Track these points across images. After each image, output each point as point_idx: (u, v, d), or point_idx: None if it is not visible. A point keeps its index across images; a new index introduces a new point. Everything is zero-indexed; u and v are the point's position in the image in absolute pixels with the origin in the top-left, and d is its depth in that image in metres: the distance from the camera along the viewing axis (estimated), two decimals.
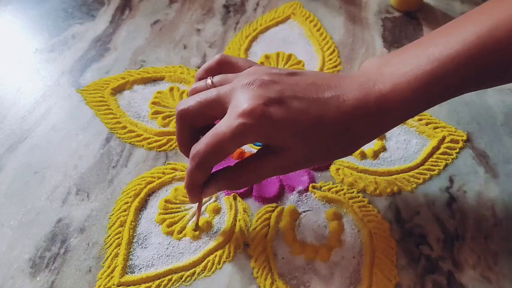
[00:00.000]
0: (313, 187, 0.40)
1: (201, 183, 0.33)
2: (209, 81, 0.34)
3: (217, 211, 0.39)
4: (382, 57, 0.33)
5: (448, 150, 0.43)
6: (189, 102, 0.33)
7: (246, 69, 0.34)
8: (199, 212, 0.37)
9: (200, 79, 0.36)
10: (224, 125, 0.30)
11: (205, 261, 0.36)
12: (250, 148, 0.42)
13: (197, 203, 0.36)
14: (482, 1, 0.59)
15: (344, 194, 0.40)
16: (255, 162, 0.32)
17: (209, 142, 0.30)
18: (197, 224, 0.37)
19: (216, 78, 0.34)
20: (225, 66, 0.35)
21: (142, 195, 0.39)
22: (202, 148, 0.31)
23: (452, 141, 0.43)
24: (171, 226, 0.37)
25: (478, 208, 0.39)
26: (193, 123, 0.33)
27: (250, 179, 0.33)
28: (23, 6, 0.59)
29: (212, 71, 0.35)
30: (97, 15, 0.57)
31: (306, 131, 0.30)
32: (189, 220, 0.38)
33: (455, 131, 0.44)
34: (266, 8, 0.58)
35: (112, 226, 0.37)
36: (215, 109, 0.32)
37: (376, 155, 0.42)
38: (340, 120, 0.30)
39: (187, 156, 0.33)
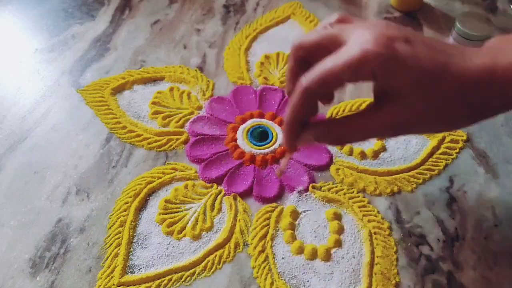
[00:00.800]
0: (313, 187, 0.40)
1: (301, 120, 0.31)
2: (328, 26, 0.32)
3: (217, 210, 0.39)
4: (506, 35, 0.31)
5: (448, 150, 0.43)
6: (308, 35, 0.31)
7: None
8: (288, 157, 0.34)
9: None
10: (342, 54, 0.28)
11: (205, 261, 0.36)
12: (250, 148, 0.42)
13: (290, 149, 0.33)
14: (482, 1, 0.59)
15: (344, 194, 0.40)
16: (365, 116, 0.30)
17: (322, 70, 0.28)
18: (281, 170, 0.36)
19: (336, 26, 0.32)
20: (344, 23, 0.33)
21: (142, 195, 0.39)
22: (312, 76, 0.28)
23: (452, 141, 0.43)
24: (171, 226, 0.37)
25: (478, 208, 0.39)
26: (307, 56, 0.31)
27: (354, 134, 0.30)
28: (23, 6, 0.59)
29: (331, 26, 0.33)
30: (97, 15, 0.57)
31: (428, 77, 0.28)
32: (189, 220, 0.38)
33: (455, 131, 0.44)
34: (266, 8, 0.58)
35: (112, 226, 0.37)
36: (335, 42, 0.29)
37: (376, 155, 0.42)
38: (464, 78, 0.28)
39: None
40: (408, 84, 0.28)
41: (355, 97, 0.47)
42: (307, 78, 0.29)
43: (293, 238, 0.37)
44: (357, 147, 0.43)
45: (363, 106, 0.46)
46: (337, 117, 0.31)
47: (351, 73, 0.28)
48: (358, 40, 0.28)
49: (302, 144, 0.32)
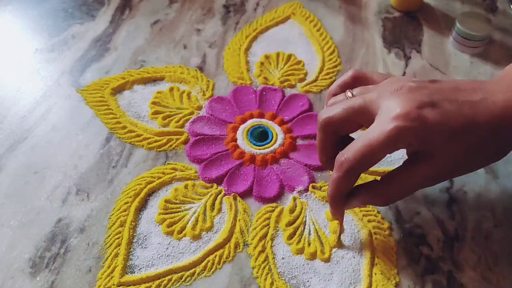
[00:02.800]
0: (313, 187, 0.40)
1: (345, 193, 0.32)
2: (349, 93, 0.33)
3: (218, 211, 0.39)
4: None
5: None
6: (334, 110, 0.32)
7: (383, 80, 0.33)
8: (341, 225, 0.35)
9: (334, 95, 0.35)
10: (376, 130, 0.29)
11: (205, 261, 0.36)
12: (250, 148, 0.42)
13: (338, 216, 0.35)
14: (482, 1, 0.59)
15: None
16: (405, 173, 0.31)
17: (360, 148, 0.29)
18: (339, 238, 0.36)
19: (356, 90, 0.33)
20: (360, 81, 0.35)
21: (142, 195, 0.39)
22: (352, 154, 0.30)
23: None
24: (171, 226, 0.37)
25: (478, 209, 0.39)
26: (337, 131, 0.33)
27: (399, 192, 0.32)
28: (23, 6, 0.59)
29: (347, 87, 0.35)
30: (97, 15, 0.57)
31: (459, 133, 0.29)
32: (189, 220, 0.38)
33: None
34: (266, 8, 0.58)
35: (112, 226, 0.37)
36: (362, 116, 0.31)
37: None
38: (491, 121, 0.30)
39: (327, 166, 0.33)
40: (441, 144, 0.29)
41: None
42: (347, 158, 0.30)
43: (293, 238, 0.37)
44: None
45: None
46: (377, 179, 0.32)
47: (389, 149, 0.29)
48: (389, 115, 0.29)
49: (350, 209, 0.34)
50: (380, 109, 0.30)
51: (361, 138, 0.30)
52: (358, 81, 0.35)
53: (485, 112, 0.30)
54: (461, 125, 0.29)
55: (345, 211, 0.36)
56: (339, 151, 0.31)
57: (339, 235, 0.36)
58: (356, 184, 0.32)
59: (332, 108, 0.32)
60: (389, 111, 0.29)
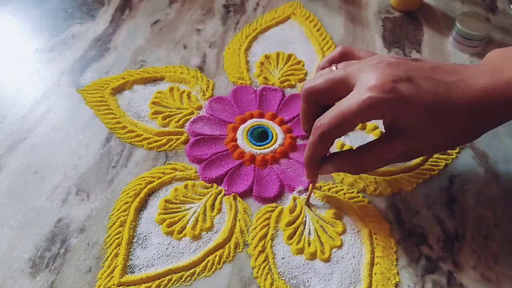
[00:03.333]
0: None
1: (320, 157, 0.34)
2: (333, 67, 0.35)
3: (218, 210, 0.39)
4: (506, 48, 0.33)
5: (448, 150, 0.43)
6: (317, 80, 0.34)
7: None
8: (312, 188, 0.38)
9: (322, 68, 0.37)
10: (351, 99, 0.31)
11: (205, 261, 0.36)
12: (250, 148, 0.42)
13: (311, 180, 0.38)
14: (482, 1, 0.59)
15: (344, 194, 0.40)
16: (379, 146, 0.33)
17: (335, 115, 0.31)
18: (308, 199, 0.39)
19: (341, 65, 0.35)
20: (347, 57, 0.37)
21: (142, 195, 0.39)
22: (327, 120, 0.32)
23: None
24: (171, 226, 0.37)
25: (478, 208, 0.39)
26: (318, 100, 0.34)
27: (372, 163, 0.34)
28: (23, 6, 0.59)
29: (334, 62, 0.36)
30: (97, 15, 0.57)
31: (432, 111, 0.30)
32: (189, 220, 0.38)
33: None
34: (266, 8, 0.58)
35: (112, 226, 0.37)
36: (342, 87, 0.33)
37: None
38: (466, 103, 0.30)
39: (309, 134, 0.34)
40: (415, 120, 0.31)
41: None
42: (323, 124, 0.32)
43: (293, 238, 0.37)
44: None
45: None
46: (353, 148, 0.34)
47: (362, 118, 0.31)
48: (365, 85, 0.31)
49: (324, 173, 0.36)
50: (358, 81, 0.31)
51: (337, 106, 0.32)
52: (345, 57, 0.37)
53: (460, 93, 0.30)
54: (435, 102, 0.30)
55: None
56: None
57: (309, 195, 0.39)
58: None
59: (315, 78, 0.34)
60: (366, 82, 0.31)
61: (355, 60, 0.35)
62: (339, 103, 0.32)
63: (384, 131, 0.35)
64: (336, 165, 0.34)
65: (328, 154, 0.36)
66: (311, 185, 0.38)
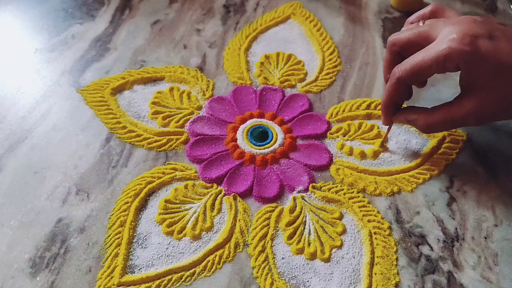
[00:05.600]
0: (313, 187, 0.40)
1: (395, 103, 0.37)
2: (420, 23, 0.37)
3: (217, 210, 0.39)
4: None
5: (448, 150, 0.43)
6: (402, 32, 0.36)
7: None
8: (388, 131, 0.41)
9: (411, 23, 0.39)
10: (430, 49, 0.32)
11: (205, 261, 0.36)
12: (250, 148, 0.42)
13: (387, 124, 0.40)
14: (482, 1, 0.59)
15: (344, 194, 0.40)
16: (451, 104, 0.35)
17: (413, 62, 0.33)
18: (382, 142, 0.42)
19: (428, 21, 0.36)
20: (437, 15, 0.38)
21: (142, 195, 0.39)
22: (405, 66, 0.34)
23: (452, 141, 0.43)
24: (171, 226, 0.37)
25: (478, 208, 0.39)
26: (401, 51, 0.36)
27: (441, 121, 0.35)
28: (23, 6, 0.59)
29: (424, 18, 0.38)
30: (97, 15, 0.57)
31: (507, 71, 0.31)
32: (189, 220, 0.38)
33: (455, 131, 0.44)
34: (266, 8, 0.58)
35: (112, 226, 0.37)
36: (425, 39, 0.34)
37: (376, 155, 0.42)
38: None
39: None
40: (488, 77, 0.32)
41: (355, 97, 0.47)
42: (400, 70, 0.34)
43: (293, 238, 0.37)
44: (357, 147, 0.43)
45: (363, 106, 0.46)
46: (430, 107, 0.36)
47: (438, 67, 0.32)
48: (445, 37, 0.32)
49: (397, 121, 0.39)
50: (441, 33, 0.33)
51: (416, 55, 0.33)
52: (435, 14, 0.38)
53: None
54: (508, 62, 0.31)
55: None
56: None
57: (384, 139, 0.42)
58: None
59: (401, 31, 0.37)
60: (447, 35, 0.32)
61: (442, 18, 0.36)
62: (418, 52, 0.33)
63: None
64: (408, 117, 0.37)
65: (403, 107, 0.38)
66: (387, 129, 0.41)
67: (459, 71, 0.34)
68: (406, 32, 0.36)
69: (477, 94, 0.33)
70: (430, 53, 0.32)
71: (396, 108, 0.38)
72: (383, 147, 0.42)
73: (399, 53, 0.37)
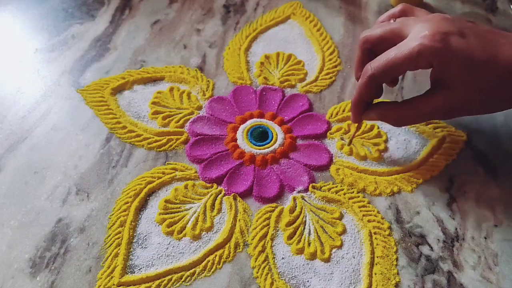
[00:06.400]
0: (313, 187, 0.40)
1: (366, 101, 0.37)
2: (391, 21, 0.37)
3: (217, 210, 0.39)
4: None
5: (448, 150, 0.43)
6: (374, 29, 0.37)
7: None
8: (357, 130, 0.41)
9: (381, 22, 0.39)
10: (402, 46, 0.33)
11: (205, 261, 0.36)
12: (250, 148, 0.42)
13: (356, 124, 0.40)
14: (482, 1, 0.59)
15: (344, 194, 0.40)
16: (421, 98, 0.35)
17: (385, 59, 0.33)
18: (350, 141, 0.42)
19: (399, 19, 0.37)
20: (407, 14, 0.38)
21: (142, 195, 0.39)
22: (377, 64, 0.34)
23: (452, 141, 0.43)
24: (171, 226, 0.37)
25: (478, 208, 0.39)
26: (373, 48, 0.37)
27: (412, 114, 0.36)
28: (23, 6, 0.59)
29: (394, 17, 0.39)
30: (97, 15, 0.57)
31: (477, 67, 0.32)
32: (189, 220, 0.38)
33: (455, 131, 0.44)
34: (266, 8, 0.58)
35: (112, 226, 0.37)
36: (396, 36, 0.35)
37: (379, 159, 0.42)
38: (511, 66, 0.32)
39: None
40: (459, 73, 0.32)
41: None
42: (372, 67, 0.34)
43: (293, 238, 0.37)
44: (360, 147, 0.43)
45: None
46: (400, 101, 0.37)
47: (411, 64, 0.33)
48: (417, 35, 0.33)
49: (367, 119, 0.38)
50: (412, 31, 0.34)
51: (388, 52, 0.34)
52: (404, 13, 0.39)
53: (507, 54, 0.32)
54: (482, 59, 0.32)
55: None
56: None
57: (352, 137, 0.42)
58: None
59: (372, 28, 0.37)
60: (419, 32, 0.33)
61: (412, 17, 0.37)
62: (390, 50, 0.34)
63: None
64: (379, 112, 0.37)
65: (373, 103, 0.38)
66: (356, 125, 0.41)
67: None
68: (378, 29, 0.36)
69: (446, 90, 0.33)
70: (403, 50, 0.32)
71: (366, 106, 0.38)
72: (350, 143, 0.42)
73: (370, 51, 0.37)
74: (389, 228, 0.37)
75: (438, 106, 0.34)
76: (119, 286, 0.34)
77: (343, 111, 0.46)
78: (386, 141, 0.43)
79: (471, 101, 0.34)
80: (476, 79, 0.32)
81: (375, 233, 0.37)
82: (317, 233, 0.37)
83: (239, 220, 0.38)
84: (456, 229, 0.37)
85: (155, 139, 0.44)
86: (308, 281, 0.35)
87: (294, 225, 0.38)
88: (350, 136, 0.42)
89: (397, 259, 0.36)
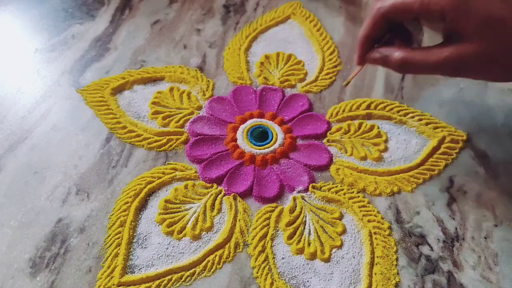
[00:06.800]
0: (313, 187, 0.40)
1: (371, 39, 0.35)
2: None
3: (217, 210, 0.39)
4: None
5: (448, 150, 0.43)
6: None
7: None
8: (357, 71, 0.39)
9: None
10: None
11: (205, 261, 0.36)
12: (250, 148, 0.42)
13: (359, 62, 0.38)
14: None
15: (344, 194, 0.40)
16: (431, 49, 0.33)
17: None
18: (348, 82, 0.40)
19: None
20: None
21: (142, 195, 0.39)
22: (387, 2, 0.33)
23: (452, 141, 0.43)
24: (171, 226, 0.37)
25: (478, 208, 0.39)
26: (388, 18, 0.34)
27: (418, 62, 0.34)
28: (23, 6, 0.59)
29: None
30: (97, 15, 0.57)
31: (493, 22, 0.30)
32: (189, 220, 0.38)
33: (455, 131, 0.44)
34: (266, 8, 0.58)
35: (112, 226, 0.37)
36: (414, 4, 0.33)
37: (379, 159, 0.42)
38: None
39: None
40: (473, 26, 0.31)
41: (355, 97, 0.47)
42: (383, 5, 0.33)
43: (293, 238, 0.37)
44: (359, 147, 0.43)
45: (363, 106, 0.46)
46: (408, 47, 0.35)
47: (422, 8, 0.31)
48: None
49: (370, 61, 0.36)
50: None
51: None
52: None
53: None
54: (497, 14, 0.30)
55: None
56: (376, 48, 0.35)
57: (351, 77, 0.40)
58: None
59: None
60: None
61: None
62: None
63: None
64: (384, 51, 0.35)
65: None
66: (357, 69, 0.39)
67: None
68: None
69: (460, 42, 0.32)
70: None
71: (371, 46, 0.36)
72: (346, 84, 0.41)
73: (386, 20, 0.35)
74: (389, 228, 0.37)
75: (447, 57, 0.32)
76: (119, 286, 0.34)
77: (343, 111, 0.46)
78: (386, 141, 0.43)
79: (483, 59, 0.32)
80: (492, 35, 0.31)
81: (375, 233, 0.37)
82: (317, 233, 0.37)
83: (239, 220, 0.38)
84: (456, 229, 0.37)
85: (155, 139, 0.44)
86: (308, 281, 0.35)
87: (294, 225, 0.38)
88: (350, 77, 0.40)
89: (397, 259, 0.36)
